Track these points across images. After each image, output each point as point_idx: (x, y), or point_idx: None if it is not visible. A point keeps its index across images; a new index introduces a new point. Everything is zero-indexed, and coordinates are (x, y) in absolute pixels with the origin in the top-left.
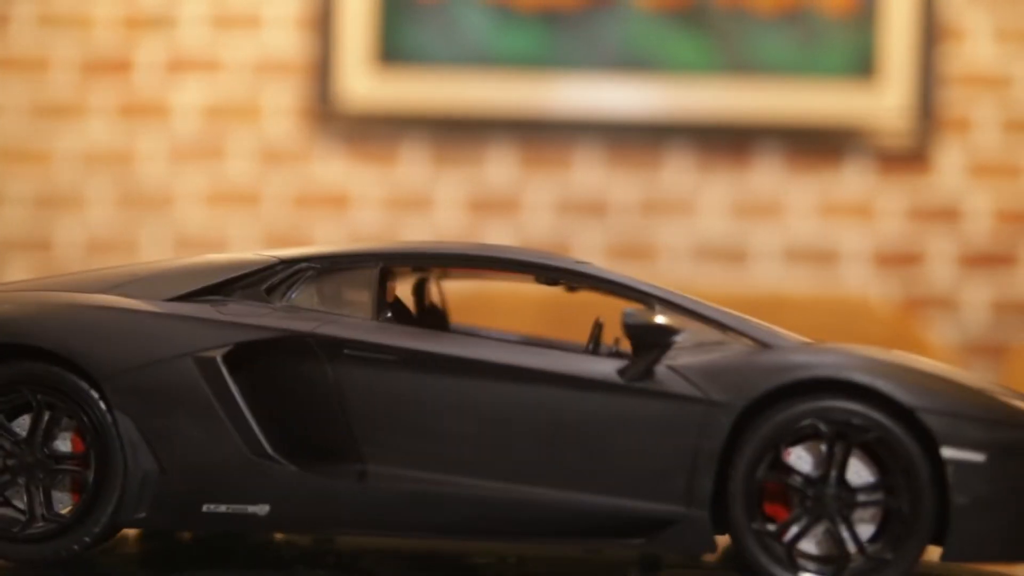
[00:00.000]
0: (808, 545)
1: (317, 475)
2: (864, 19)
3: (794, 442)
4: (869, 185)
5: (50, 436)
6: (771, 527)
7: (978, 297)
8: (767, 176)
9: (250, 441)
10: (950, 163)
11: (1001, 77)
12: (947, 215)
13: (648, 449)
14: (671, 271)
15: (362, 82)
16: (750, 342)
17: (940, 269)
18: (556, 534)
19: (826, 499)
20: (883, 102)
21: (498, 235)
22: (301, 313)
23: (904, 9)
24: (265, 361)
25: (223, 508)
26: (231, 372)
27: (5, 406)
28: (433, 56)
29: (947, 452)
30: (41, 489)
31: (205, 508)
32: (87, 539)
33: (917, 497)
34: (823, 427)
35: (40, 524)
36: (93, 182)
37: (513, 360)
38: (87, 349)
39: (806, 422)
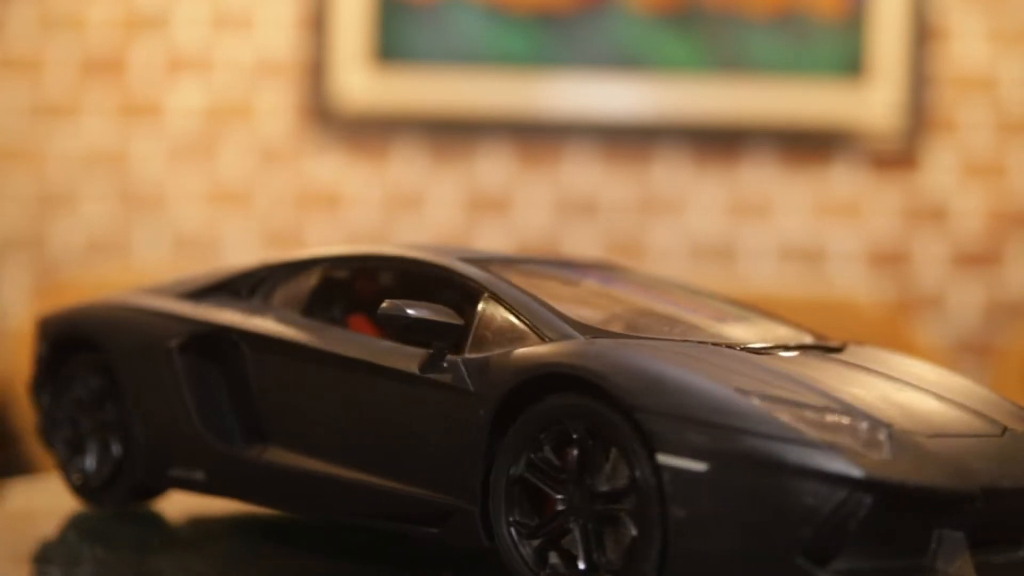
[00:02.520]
0: (572, 546)
1: (234, 451)
2: (854, 21)
3: (555, 439)
4: (859, 185)
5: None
6: (528, 524)
7: (967, 297)
8: (758, 176)
9: (191, 420)
10: (939, 163)
11: (990, 78)
12: (936, 215)
13: (433, 440)
14: (662, 270)
15: (358, 83)
16: (543, 333)
17: (929, 269)
18: (378, 517)
19: (573, 502)
20: (873, 103)
21: (492, 233)
22: (245, 309)
23: (894, 11)
24: (212, 350)
25: (177, 472)
26: (192, 359)
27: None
28: (428, 57)
29: (663, 458)
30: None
31: (170, 472)
32: None
33: (642, 507)
34: (569, 426)
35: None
36: (89, 182)
37: (352, 352)
38: None
39: (559, 419)
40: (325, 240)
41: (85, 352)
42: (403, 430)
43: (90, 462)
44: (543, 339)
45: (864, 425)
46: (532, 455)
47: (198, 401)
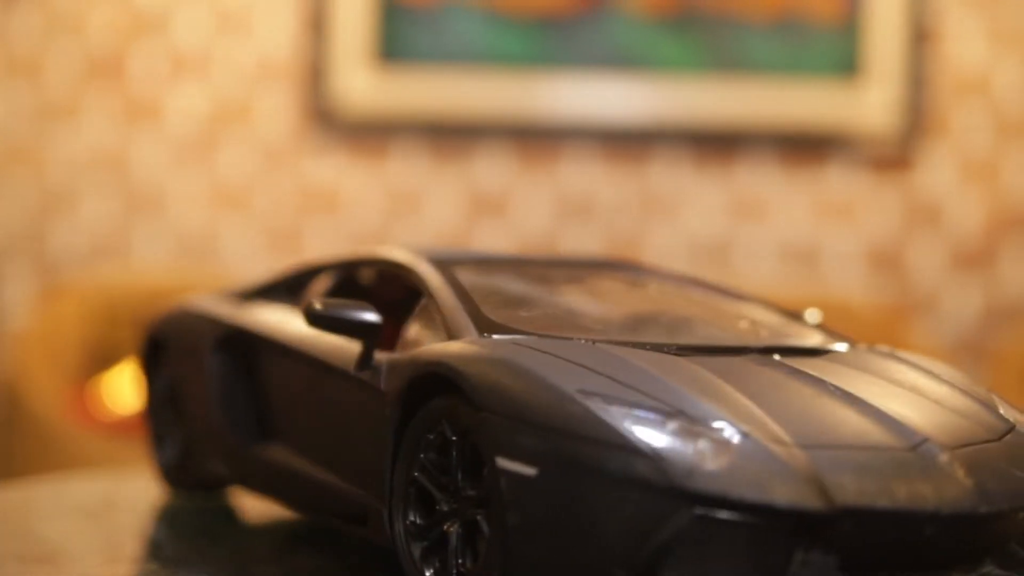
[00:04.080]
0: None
1: (245, 447)
2: (851, 23)
3: (439, 441)
4: (856, 187)
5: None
6: (418, 526)
7: (964, 298)
8: (756, 178)
9: (216, 416)
10: (936, 165)
11: (987, 80)
12: (933, 217)
13: (361, 438)
14: None
15: (358, 84)
16: (450, 331)
17: (926, 270)
18: (326, 514)
19: (451, 505)
20: (870, 105)
21: (493, 234)
22: (268, 310)
23: (890, 13)
24: (238, 350)
25: (211, 466)
26: (222, 359)
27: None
28: (429, 59)
29: (501, 462)
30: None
31: (206, 465)
32: None
33: (490, 512)
34: (446, 427)
35: None
36: (91, 183)
37: (308, 349)
38: None
39: (440, 420)
40: (325, 241)
41: (160, 351)
42: (342, 428)
43: (165, 452)
44: (450, 337)
45: (713, 434)
46: (422, 456)
47: (222, 398)
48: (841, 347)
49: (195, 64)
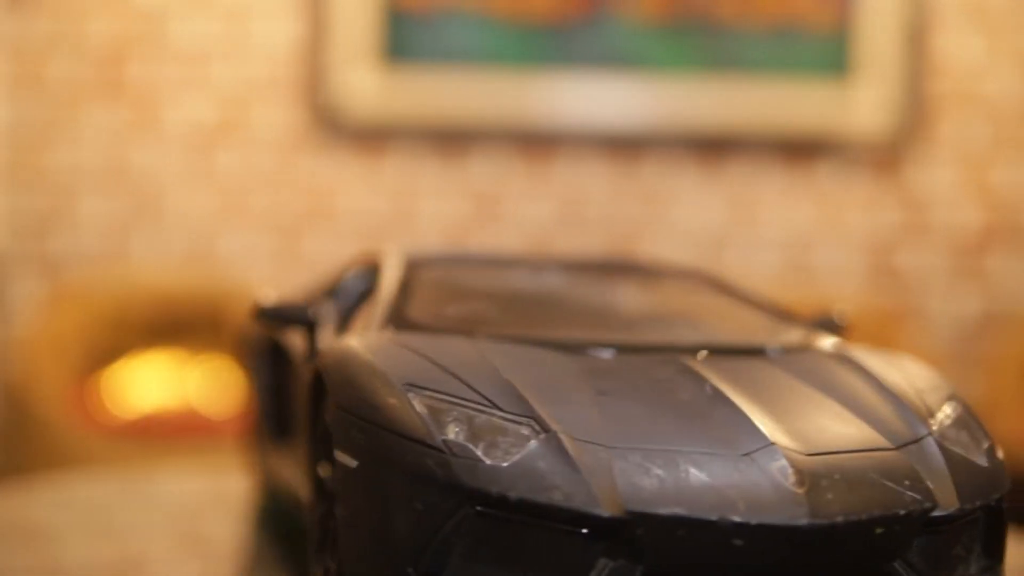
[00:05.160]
0: None
1: (275, 447)
2: (846, 25)
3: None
4: (851, 188)
5: None
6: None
7: (959, 302)
8: (752, 179)
9: (258, 412)
10: (931, 168)
11: (982, 82)
12: (928, 219)
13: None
14: None
15: (361, 86)
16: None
17: (921, 274)
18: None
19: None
20: (865, 107)
21: (494, 235)
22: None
23: (885, 15)
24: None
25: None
26: (270, 358)
27: None
28: (431, 62)
29: (336, 454)
30: None
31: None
32: None
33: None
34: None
35: None
36: (94, 188)
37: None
38: None
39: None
40: (325, 242)
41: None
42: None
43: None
44: (362, 330)
45: (512, 433)
46: (324, 449)
47: (261, 395)
48: (797, 347)
49: (197, 67)
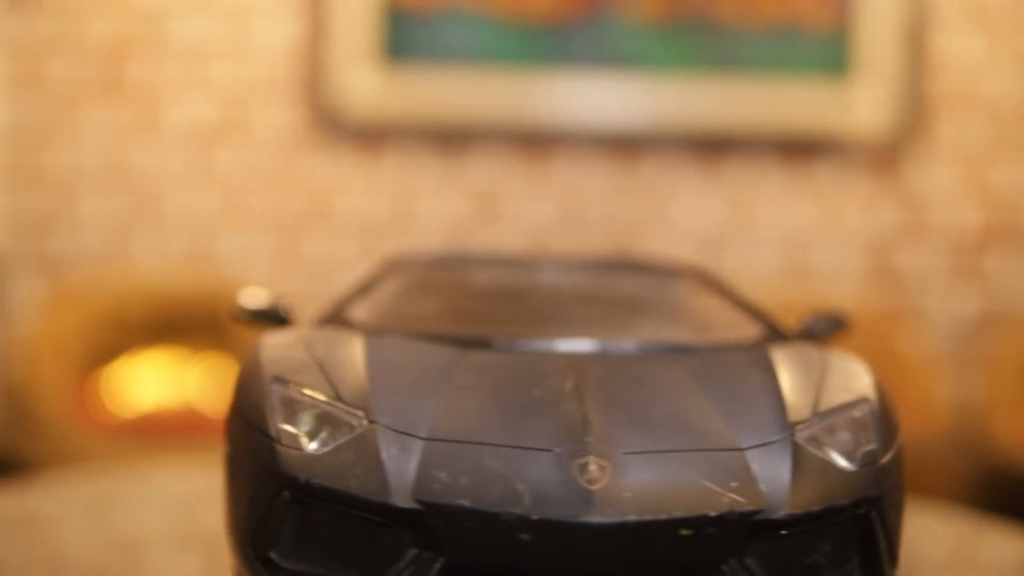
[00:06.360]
0: None
1: None
2: (846, 24)
3: None
4: (849, 190)
5: None
6: None
7: (957, 304)
8: (752, 179)
9: None
10: (931, 168)
11: (982, 82)
12: (927, 219)
13: None
14: None
15: (360, 86)
16: None
17: (920, 274)
18: None
19: None
20: (864, 106)
21: (492, 234)
22: None
23: (885, 14)
24: None
25: None
26: None
27: None
28: (432, 62)
29: (225, 444)
30: None
31: None
32: None
33: None
34: None
35: None
36: (94, 187)
37: None
38: None
39: None
40: (325, 241)
41: None
42: None
43: None
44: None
45: (341, 423)
46: None
47: None
48: (717, 347)
49: (197, 67)
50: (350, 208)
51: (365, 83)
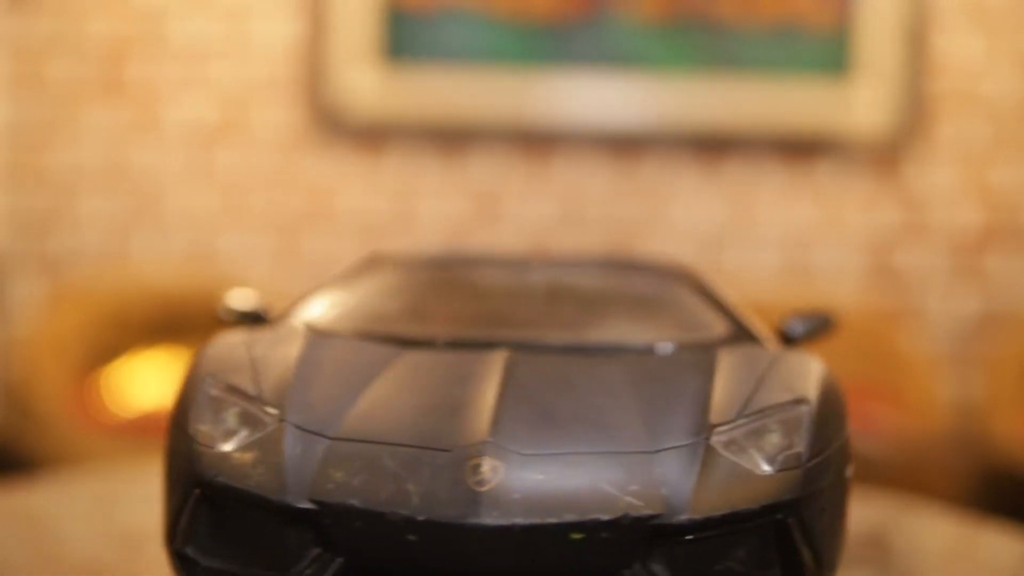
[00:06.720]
0: None
1: None
2: (846, 24)
3: None
4: (849, 190)
5: None
6: None
7: (957, 304)
8: (752, 178)
9: None
10: (931, 168)
11: (982, 82)
12: (927, 219)
13: None
14: None
15: (360, 86)
16: None
17: (920, 274)
18: None
19: None
20: (864, 106)
21: (492, 234)
22: None
23: (885, 14)
24: None
25: None
26: None
27: None
28: (432, 62)
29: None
30: None
31: None
32: None
33: None
34: None
35: None
36: (95, 187)
37: None
38: None
39: None
40: (325, 241)
41: None
42: None
43: None
44: None
45: (255, 421)
46: None
47: None
48: (663, 348)
49: (197, 67)
50: (350, 208)
51: (365, 83)
